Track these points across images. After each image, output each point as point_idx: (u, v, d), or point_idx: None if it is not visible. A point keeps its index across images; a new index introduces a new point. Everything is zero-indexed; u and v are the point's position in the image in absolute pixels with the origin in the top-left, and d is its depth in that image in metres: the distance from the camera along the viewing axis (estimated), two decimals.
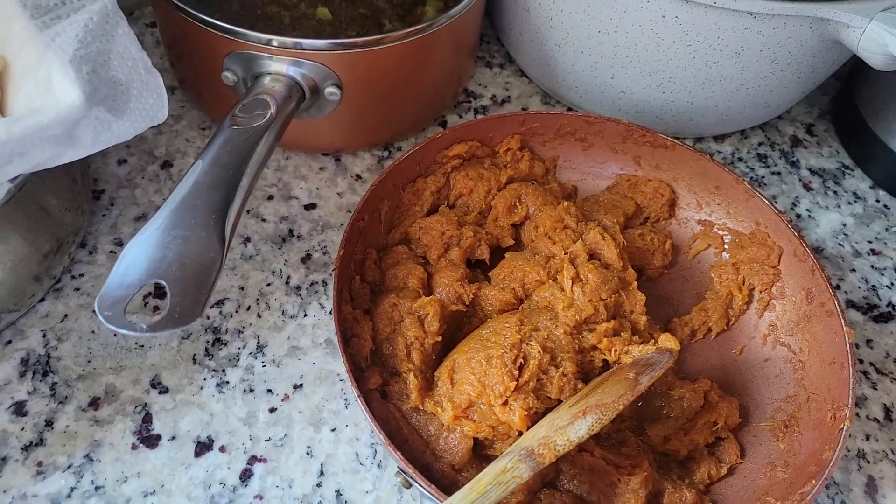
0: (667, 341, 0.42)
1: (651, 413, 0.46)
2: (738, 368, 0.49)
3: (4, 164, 0.36)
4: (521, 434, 0.39)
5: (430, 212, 0.51)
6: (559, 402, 0.41)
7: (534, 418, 0.40)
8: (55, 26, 0.39)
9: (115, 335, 0.47)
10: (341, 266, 0.43)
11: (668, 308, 0.52)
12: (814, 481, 0.39)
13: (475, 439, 0.40)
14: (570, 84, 0.62)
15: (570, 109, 0.66)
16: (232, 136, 0.42)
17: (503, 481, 0.34)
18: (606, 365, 0.44)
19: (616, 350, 0.43)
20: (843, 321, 0.45)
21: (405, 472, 0.37)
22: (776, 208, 0.50)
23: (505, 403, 0.39)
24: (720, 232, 0.54)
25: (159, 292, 0.50)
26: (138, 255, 0.36)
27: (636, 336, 0.45)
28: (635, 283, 0.47)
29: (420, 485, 0.36)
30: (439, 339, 0.44)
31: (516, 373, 0.40)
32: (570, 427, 0.36)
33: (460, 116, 0.64)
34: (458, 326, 0.47)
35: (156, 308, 0.49)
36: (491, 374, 0.40)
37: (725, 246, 0.53)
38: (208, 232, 0.37)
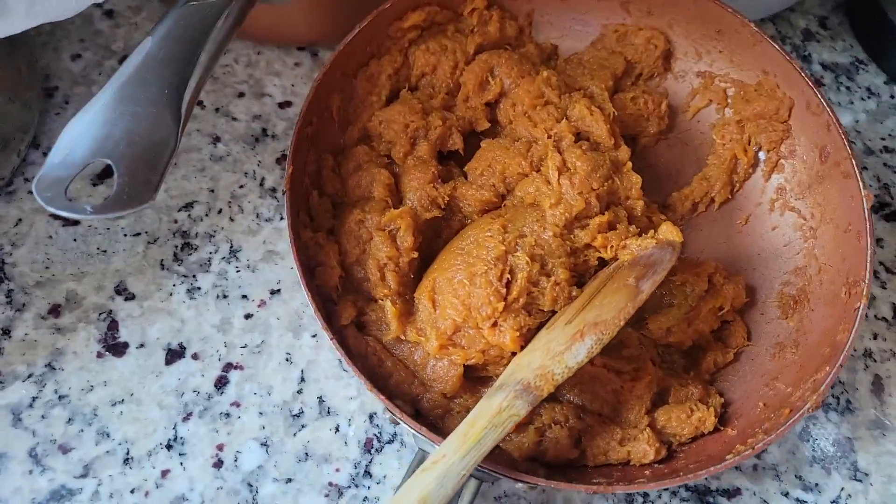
0: (668, 233, 0.38)
1: (652, 303, 0.42)
2: (744, 241, 0.45)
3: None
4: (514, 355, 0.36)
5: (389, 100, 0.44)
6: (553, 313, 0.37)
7: (527, 336, 0.36)
8: None
9: (75, 240, 0.45)
10: (293, 186, 0.38)
11: (667, 180, 0.47)
12: (827, 367, 0.37)
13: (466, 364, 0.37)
14: None
15: None
16: (187, 12, 0.38)
17: (499, 423, 0.31)
18: (602, 262, 0.40)
19: (612, 246, 0.39)
20: (860, 183, 0.40)
21: (393, 414, 0.34)
22: (787, 54, 0.43)
23: (494, 325, 0.36)
24: (723, 84, 0.47)
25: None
26: (82, 132, 0.33)
27: (633, 225, 0.40)
28: (630, 164, 0.42)
29: (409, 427, 0.34)
30: (415, 255, 0.39)
31: (503, 290, 0.36)
32: (567, 352, 0.33)
33: None
34: (436, 232, 0.42)
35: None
36: (476, 294, 0.36)
37: (729, 101, 0.47)
38: (160, 108, 0.34)
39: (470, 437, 0.31)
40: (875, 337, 0.46)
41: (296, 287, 0.44)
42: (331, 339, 0.35)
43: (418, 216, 0.40)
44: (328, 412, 0.41)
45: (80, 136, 0.33)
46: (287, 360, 0.42)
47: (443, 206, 0.41)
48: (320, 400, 0.41)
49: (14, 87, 0.44)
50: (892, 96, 0.57)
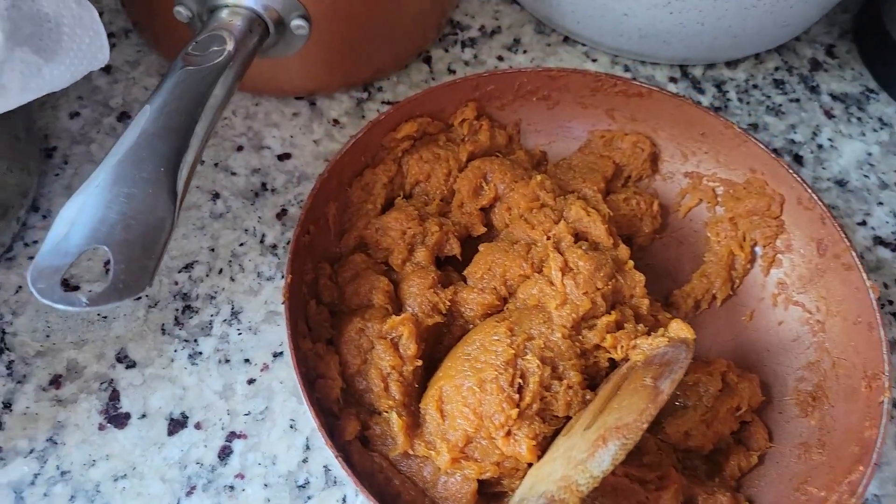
0: (679, 330, 0.37)
1: (667, 405, 0.40)
2: (751, 337, 0.44)
3: None
4: (529, 466, 0.33)
5: (384, 208, 0.44)
6: (567, 419, 0.35)
7: (543, 445, 0.34)
8: None
9: None
10: (292, 295, 0.36)
11: (667, 279, 0.47)
12: (861, 467, 0.35)
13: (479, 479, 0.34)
14: (566, 9, 0.54)
15: (566, 39, 0.58)
16: (184, 77, 0.37)
17: None
18: (613, 363, 0.38)
19: (623, 346, 0.37)
20: (863, 275, 0.40)
21: None
22: (772, 152, 0.44)
23: (508, 434, 0.34)
24: (711, 184, 0.48)
25: None
26: (75, 218, 0.32)
27: (640, 324, 0.39)
28: (631, 262, 0.41)
29: None
30: (419, 363, 0.37)
31: (516, 396, 0.34)
32: (590, 460, 0.31)
33: (446, 51, 0.57)
34: (438, 339, 0.40)
35: None
36: (487, 402, 0.34)
37: (718, 199, 0.48)
38: (156, 188, 0.33)
39: None
40: None
41: None
42: (336, 458, 0.32)
43: (420, 323, 0.38)
44: (335, 482, 0.39)
45: (74, 220, 0.32)
46: (291, 426, 0.40)
47: (444, 312, 0.40)
48: (326, 469, 0.39)
49: (12, 155, 0.42)
50: None
